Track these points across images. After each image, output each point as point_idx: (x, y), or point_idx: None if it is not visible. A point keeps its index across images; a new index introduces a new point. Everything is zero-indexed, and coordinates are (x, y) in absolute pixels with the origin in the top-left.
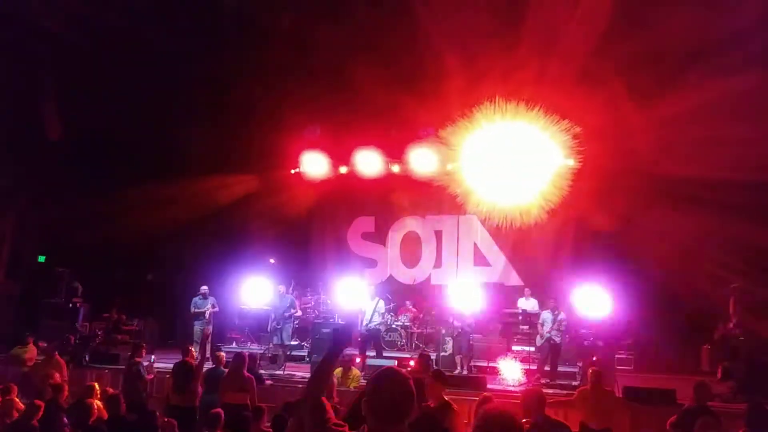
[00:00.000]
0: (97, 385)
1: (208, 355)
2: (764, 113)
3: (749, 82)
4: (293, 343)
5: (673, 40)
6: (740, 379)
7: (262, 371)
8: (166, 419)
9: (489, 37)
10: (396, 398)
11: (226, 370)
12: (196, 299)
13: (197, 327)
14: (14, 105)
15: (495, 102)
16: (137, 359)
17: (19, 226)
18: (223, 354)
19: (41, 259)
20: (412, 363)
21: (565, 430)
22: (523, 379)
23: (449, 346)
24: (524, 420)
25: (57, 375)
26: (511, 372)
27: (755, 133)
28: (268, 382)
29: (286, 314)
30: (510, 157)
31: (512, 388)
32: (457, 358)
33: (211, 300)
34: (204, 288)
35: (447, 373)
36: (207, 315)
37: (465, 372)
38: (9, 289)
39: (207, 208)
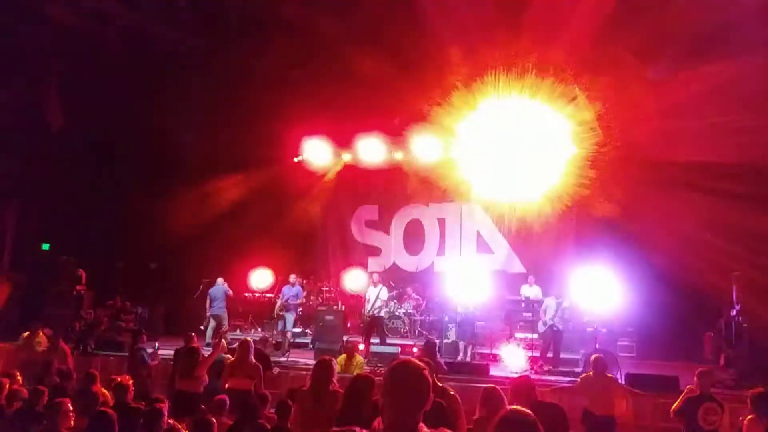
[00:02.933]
0: (97, 372)
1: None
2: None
3: (753, 67)
4: (296, 330)
5: (677, 27)
6: (743, 367)
7: None
8: (171, 421)
9: (492, 24)
10: (415, 386)
11: (227, 356)
12: (220, 289)
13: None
14: (16, 94)
15: (498, 88)
16: (140, 345)
17: (22, 214)
18: (223, 341)
19: (45, 247)
20: (415, 350)
21: (558, 410)
22: (526, 366)
23: (452, 333)
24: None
25: (59, 362)
26: (513, 358)
27: (760, 120)
28: (276, 370)
29: (293, 302)
30: (515, 144)
31: (515, 375)
32: (460, 345)
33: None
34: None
35: (450, 360)
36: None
37: (468, 359)
38: (14, 278)
39: (209, 196)
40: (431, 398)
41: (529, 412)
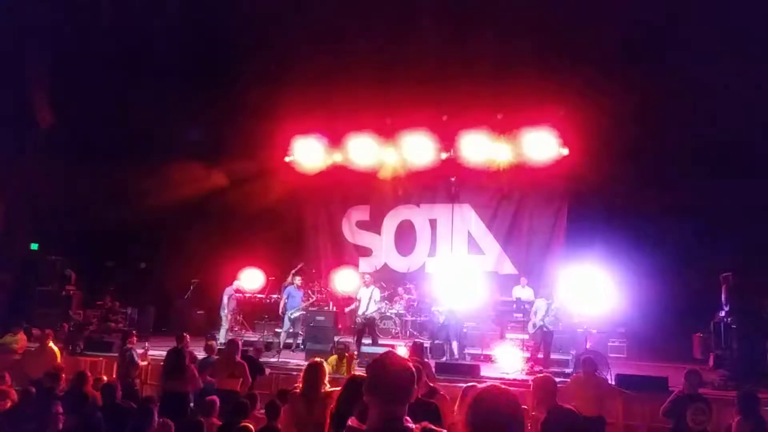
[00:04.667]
0: (89, 373)
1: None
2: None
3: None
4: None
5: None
6: (732, 367)
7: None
8: (162, 419)
9: (480, 26)
10: (398, 379)
11: (215, 357)
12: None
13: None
14: (4, 92)
15: (487, 91)
16: (129, 346)
17: (10, 214)
18: (214, 342)
19: (34, 247)
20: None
21: (576, 418)
22: (522, 366)
23: (442, 334)
24: (533, 412)
25: (52, 363)
26: (508, 359)
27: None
28: (267, 370)
29: (300, 305)
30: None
31: (506, 376)
32: (451, 346)
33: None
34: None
35: (441, 361)
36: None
37: (458, 359)
38: (1, 278)
39: (200, 197)
40: (415, 391)
41: (508, 391)
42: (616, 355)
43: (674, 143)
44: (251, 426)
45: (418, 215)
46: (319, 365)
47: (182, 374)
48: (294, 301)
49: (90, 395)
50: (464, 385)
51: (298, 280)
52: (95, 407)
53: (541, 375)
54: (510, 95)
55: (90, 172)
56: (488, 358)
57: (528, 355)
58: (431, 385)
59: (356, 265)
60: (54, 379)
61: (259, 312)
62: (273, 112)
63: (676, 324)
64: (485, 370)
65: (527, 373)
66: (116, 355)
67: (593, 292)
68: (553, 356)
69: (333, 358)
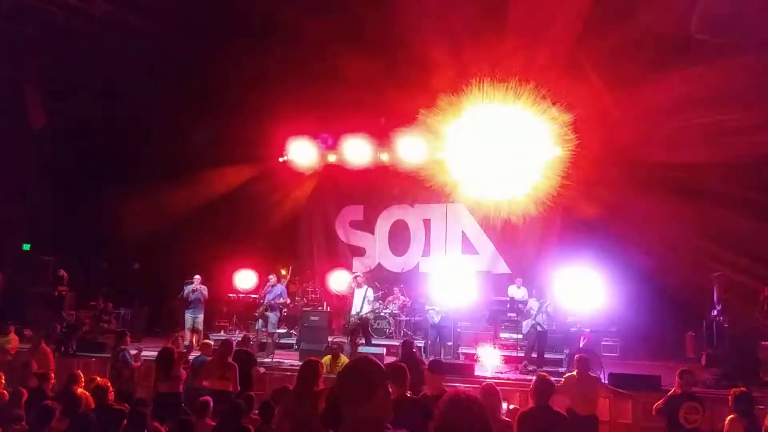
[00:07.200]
0: (81, 374)
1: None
2: (748, 100)
3: (731, 68)
4: (281, 330)
5: (657, 29)
6: (724, 366)
7: None
8: (155, 424)
9: (475, 26)
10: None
11: (208, 358)
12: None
13: (187, 314)
14: None
15: (483, 91)
16: (123, 347)
17: (2, 214)
18: (210, 342)
19: (26, 247)
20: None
21: (558, 419)
22: (503, 367)
23: (436, 334)
24: (513, 407)
25: (38, 364)
26: (490, 359)
27: (742, 121)
28: (261, 369)
29: (276, 302)
30: (499, 146)
31: (500, 375)
32: (445, 345)
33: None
34: (196, 276)
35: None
36: (190, 300)
37: (452, 359)
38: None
39: (195, 196)
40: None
41: (473, 399)
42: (609, 354)
43: (669, 143)
44: (251, 427)
45: (412, 215)
46: (315, 364)
47: (171, 374)
48: (267, 298)
49: (82, 397)
50: (457, 384)
51: (272, 277)
52: (87, 409)
53: (540, 374)
54: (501, 95)
55: (82, 172)
56: (474, 358)
57: (520, 354)
58: (445, 388)
59: (350, 265)
60: (43, 379)
61: (253, 312)
62: (267, 113)
63: (669, 323)
64: (479, 370)
65: (520, 372)
66: (109, 356)
67: (586, 290)
68: (546, 355)
69: (327, 358)
